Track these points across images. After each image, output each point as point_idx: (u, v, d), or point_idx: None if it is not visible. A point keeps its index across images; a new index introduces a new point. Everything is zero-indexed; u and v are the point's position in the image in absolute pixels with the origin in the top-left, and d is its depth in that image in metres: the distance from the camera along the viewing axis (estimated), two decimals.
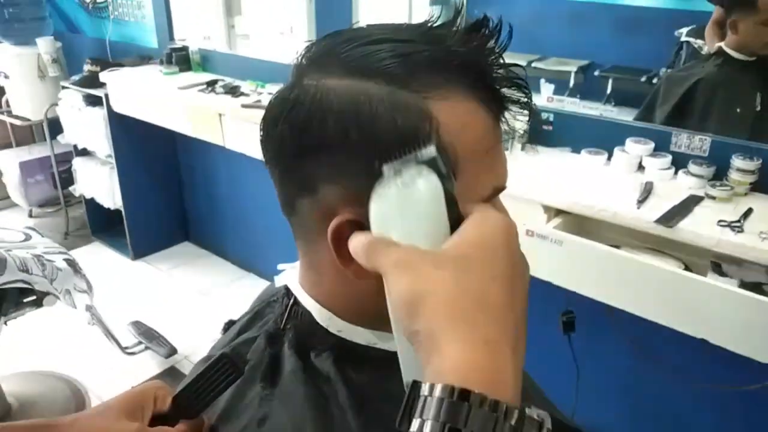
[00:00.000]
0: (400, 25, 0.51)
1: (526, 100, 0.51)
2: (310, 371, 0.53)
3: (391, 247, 0.41)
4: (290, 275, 0.61)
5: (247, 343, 0.60)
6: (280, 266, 0.65)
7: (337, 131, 0.45)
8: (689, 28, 2.82)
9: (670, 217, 1.37)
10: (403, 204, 0.42)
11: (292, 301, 0.58)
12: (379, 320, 0.54)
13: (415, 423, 0.33)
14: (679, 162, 1.62)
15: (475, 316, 0.36)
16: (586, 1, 4.18)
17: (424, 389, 0.33)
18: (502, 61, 0.49)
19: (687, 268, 1.43)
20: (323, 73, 0.47)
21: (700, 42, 2.57)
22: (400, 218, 0.42)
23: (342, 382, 0.52)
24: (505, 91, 0.50)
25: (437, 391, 0.33)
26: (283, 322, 0.58)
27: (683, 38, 2.87)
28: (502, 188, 0.51)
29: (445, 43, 0.47)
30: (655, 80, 3.32)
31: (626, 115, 2.28)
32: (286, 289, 0.60)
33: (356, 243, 0.43)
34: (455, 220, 0.42)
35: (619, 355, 1.87)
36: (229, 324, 0.69)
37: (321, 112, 0.45)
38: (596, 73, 3.97)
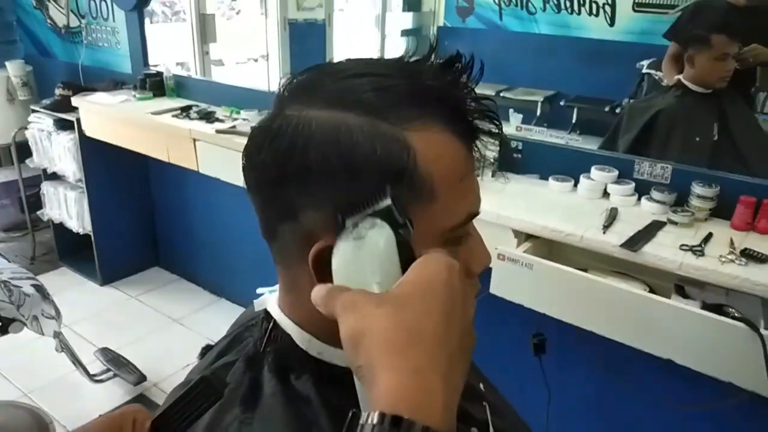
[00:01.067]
0: (378, 59, 0.54)
1: (497, 131, 0.55)
2: (291, 394, 0.54)
3: (343, 292, 0.44)
4: (269, 299, 0.62)
5: (226, 366, 0.61)
6: (259, 290, 0.66)
7: (318, 159, 0.47)
8: (650, 60, 2.94)
9: (635, 242, 1.42)
10: (358, 254, 0.45)
11: (271, 324, 0.59)
12: None
13: None
14: (642, 189, 1.68)
15: (407, 347, 0.38)
16: (551, 35, 4.33)
17: (362, 419, 0.36)
18: (474, 94, 0.52)
19: (652, 291, 1.48)
20: (305, 104, 0.50)
21: (660, 74, 2.69)
22: (354, 267, 0.46)
23: (322, 405, 0.53)
24: (477, 122, 0.53)
25: (372, 419, 0.35)
26: (263, 345, 0.59)
27: (644, 70, 3.00)
28: (475, 214, 0.54)
29: (420, 77, 0.51)
30: (618, 110, 3.45)
31: (591, 144, 2.35)
32: (266, 313, 0.61)
33: (315, 292, 0.46)
34: (409, 263, 0.45)
35: (590, 376, 1.90)
36: (207, 349, 0.69)
37: (303, 141, 0.47)
38: (562, 103, 4.11)
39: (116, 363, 2.44)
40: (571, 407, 1.98)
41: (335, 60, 0.55)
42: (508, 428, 0.71)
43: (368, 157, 0.47)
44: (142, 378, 2.39)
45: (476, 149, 0.54)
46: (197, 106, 2.62)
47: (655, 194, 1.63)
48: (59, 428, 2.15)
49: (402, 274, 0.44)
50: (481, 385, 0.74)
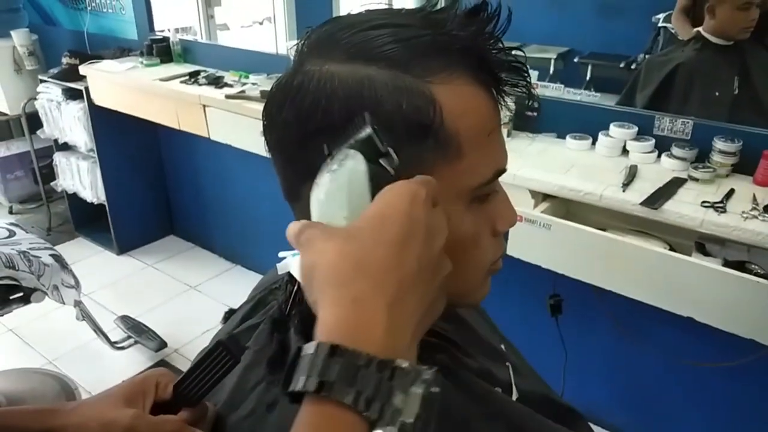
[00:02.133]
0: (399, 10, 0.52)
1: (525, 83, 0.52)
2: None
3: (306, 228, 0.42)
4: (292, 262, 0.61)
5: (250, 329, 0.61)
6: (281, 254, 0.65)
7: (342, 116, 0.45)
8: (666, 13, 2.85)
9: (655, 200, 1.40)
10: (330, 188, 0.44)
11: (296, 287, 0.59)
12: None
13: (295, 381, 0.34)
14: (663, 145, 1.65)
15: (350, 278, 0.37)
16: None
17: (304, 350, 0.35)
18: (501, 45, 0.50)
19: (672, 249, 1.46)
20: (325, 58, 0.48)
21: None
22: (327, 202, 0.44)
23: None
24: (504, 74, 0.51)
25: (309, 350, 0.35)
26: (288, 307, 0.58)
27: (660, 24, 2.91)
28: (502, 170, 0.52)
29: (444, 28, 0.48)
30: (633, 66, 3.36)
31: (606, 101, 2.30)
32: (289, 276, 0.60)
33: (288, 230, 0.44)
34: None
35: (606, 336, 1.91)
36: (230, 313, 0.69)
37: (326, 97, 0.46)
38: (576, 59, 4.00)
39: (137, 330, 2.48)
40: (587, 367, 1.99)
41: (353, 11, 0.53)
42: (530, 388, 0.70)
43: (393, 112, 0.45)
44: (163, 344, 2.43)
45: (502, 103, 0.52)
46: (205, 71, 2.59)
47: (675, 150, 1.60)
48: (84, 394, 2.21)
49: None
50: (503, 346, 0.74)
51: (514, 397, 0.67)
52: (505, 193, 0.56)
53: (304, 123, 0.47)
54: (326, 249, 0.39)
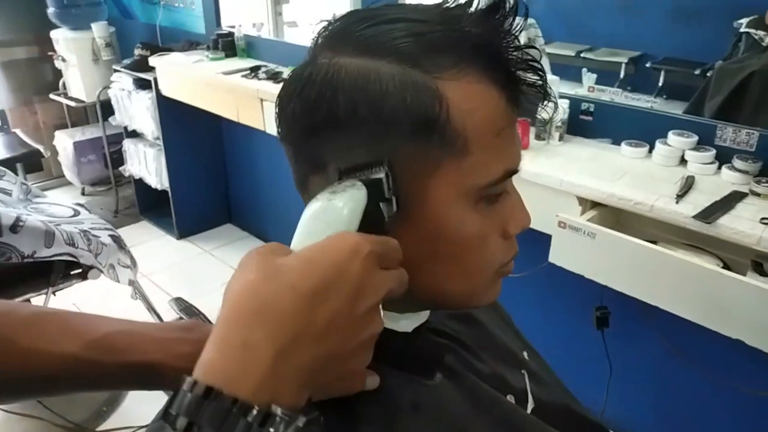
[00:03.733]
0: (417, 5, 0.51)
1: (541, 83, 0.51)
2: None
3: (254, 250, 0.41)
4: None
5: None
6: None
7: (346, 108, 0.45)
8: (750, 18, 2.68)
9: (709, 213, 1.33)
10: (322, 209, 0.44)
11: None
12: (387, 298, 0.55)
13: (168, 415, 0.34)
14: (724, 156, 1.56)
15: (248, 321, 0.36)
16: None
17: (184, 383, 0.35)
18: (517, 42, 0.49)
19: (726, 267, 1.38)
20: (336, 51, 0.48)
21: (761, 33, 2.45)
22: (314, 223, 0.44)
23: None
24: (519, 73, 0.50)
25: (185, 386, 0.34)
26: None
27: (743, 29, 2.74)
28: (514, 171, 0.51)
29: (459, 24, 0.48)
30: (709, 73, 3.19)
31: (678, 109, 2.20)
32: None
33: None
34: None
35: (653, 352, 1.83)
36: None
37: (331, 89, 0.46)
38: (648, 64, 3.83)
39: (188, 312, 2.55)
40: (632, 383, 1.92)
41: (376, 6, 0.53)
42: (551, 398, 0.68)
43: (397, 106, 0.45)
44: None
45: (518, 103, 0.51)
46: (266, 66, 2.65)
47: (737, 163, 1.51)
48: None
49: None
50: (525, 353, 0.72)
51: (530, 405, 0.65)
52: (519, 195, 0.55)
53: (311, 114, 0.47)
54: (244, 281, 0.38)
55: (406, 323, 0.57)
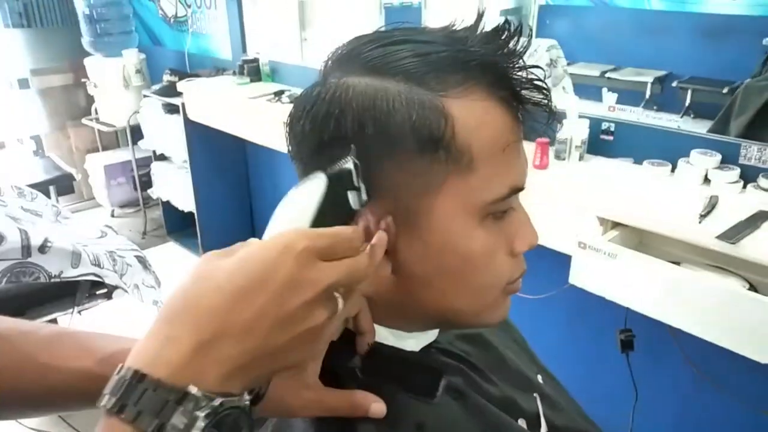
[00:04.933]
0: (423, 28, 0.53)
1: (546, 101, 0.51)
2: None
3: (206, 254, 0.42)
4: None
5: None
6: None
7: (354, 125, 0.46)
8: None
9: (734, 234, 1.30)
10: (287, 200, 0.45)
11: None
12: (396, 316, 0.55)
13: (101, 398, 0.37)
14: (749, 176, 1.53)
15: (175, 318, 0.38)
16: (664, 11, 4.01)
17: (116, 370, 0.38)
18: (522, 62, 0.50)
19: (753, 288, 1.34)
20: (345, 72, 0.49)
21: None
22: (279, 213, 0.45)
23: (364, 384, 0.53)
24: (525, 92, 0.50)
25: (115, 371, 0.37)
26: None
27: None
28: (519, 188, 0.51)
29: (465, 44, 0.49)
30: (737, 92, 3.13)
31: (705, 128, 2.16)
32: None
33: None
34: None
35: (681, 378, 1.77)
36: None
37: (339, 107, 0.47)
38: (674, 84, 3.78)
39: None
40: (658, 409, 1.86)
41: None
42: (566, 423, 0.67)
43: (404, 123, 0.46)
44: None
45: (522, 120, 0.52)
46: (289, 90, 2.70)
47: (763, 182, 1.48)
48: None
49: None
50: (539, 377, 0.71)
51: (543, 430, 0.64)
52: (526, 213, 0.55)
53: (319, 132, 0.48)
54: (180, 285, 0.40)
55: (413, 342, 0.57)
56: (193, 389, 0.36)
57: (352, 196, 0.44)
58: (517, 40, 0.49)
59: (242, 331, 0.38)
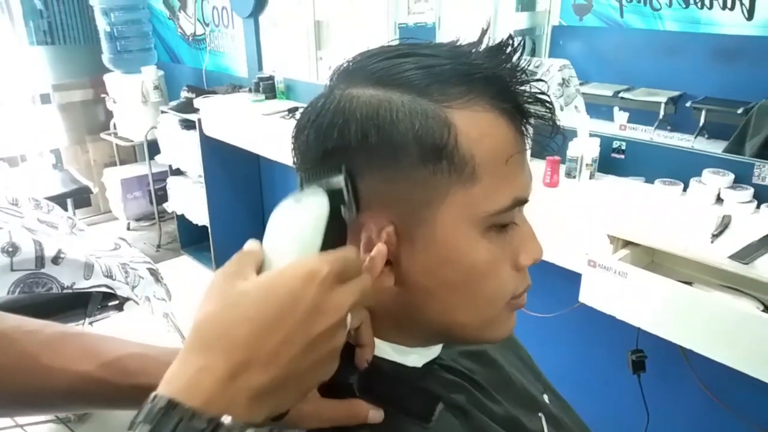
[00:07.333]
0: (429, 42, 0.54)
1: (549, 115, 0.52)
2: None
3: (217, 276, 0.43)
4: None
5: None
6: None
7: (357, 134, 0.47)
8: None
9: (747, 254, 1.28)
10: (288, 217, 0.45)
11: None
12: (398, 329, 0.55)
13: (134, 424, 0.37)
14: (763, 196, 1.52)
15: (206, 347, 0.39)
16: (678, 32, 3.99)
17: (149, 397, 0.38)
18: (525, 76, 0.50)
19: (766, 309, 1.32)
20: (350, 83, 0.50)
21: None
22: (281, 231, 0.45)
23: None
24: (527, 106, 0.51)
25: (149, 399, 0.38)
26: None
27: None
28: (523, 200, 0.51)
29: (468, 58, 0.49)
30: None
31: (720, 149, 2.15)
32: None
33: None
34: (335, 245, 0.44)
35: (694, 400, 1.74)
36: None
37: (344, 117, 0.47)
38: (688, 104, 3.76)
39: None
40: (671, 431, 1.82)
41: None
42: None
43: (406, 133, 0.46)
44: None
45: (527, 133, 0.52)
46: (303, 107, 2.73)
47: None
48: None
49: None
50: (545, 396, 0.70)
51: None
52: (530, 227, 0.54)
53: (323, 142, 0.49)
54: (207, 311, 0.41)
55: (415, 358, 0.56)
56: (227, 419, 0.37)
57: (344, 211, 0.45)
58: (521, 55, 0.50)
59: (269, 361, 0.39)
